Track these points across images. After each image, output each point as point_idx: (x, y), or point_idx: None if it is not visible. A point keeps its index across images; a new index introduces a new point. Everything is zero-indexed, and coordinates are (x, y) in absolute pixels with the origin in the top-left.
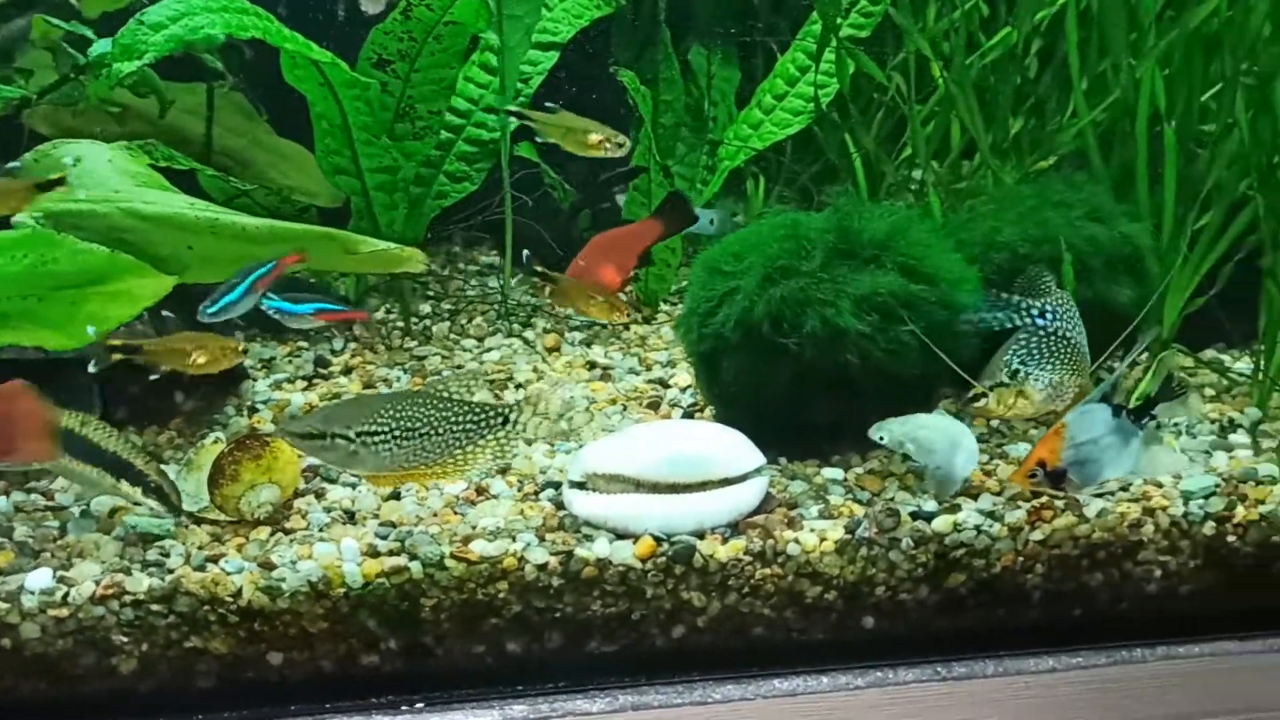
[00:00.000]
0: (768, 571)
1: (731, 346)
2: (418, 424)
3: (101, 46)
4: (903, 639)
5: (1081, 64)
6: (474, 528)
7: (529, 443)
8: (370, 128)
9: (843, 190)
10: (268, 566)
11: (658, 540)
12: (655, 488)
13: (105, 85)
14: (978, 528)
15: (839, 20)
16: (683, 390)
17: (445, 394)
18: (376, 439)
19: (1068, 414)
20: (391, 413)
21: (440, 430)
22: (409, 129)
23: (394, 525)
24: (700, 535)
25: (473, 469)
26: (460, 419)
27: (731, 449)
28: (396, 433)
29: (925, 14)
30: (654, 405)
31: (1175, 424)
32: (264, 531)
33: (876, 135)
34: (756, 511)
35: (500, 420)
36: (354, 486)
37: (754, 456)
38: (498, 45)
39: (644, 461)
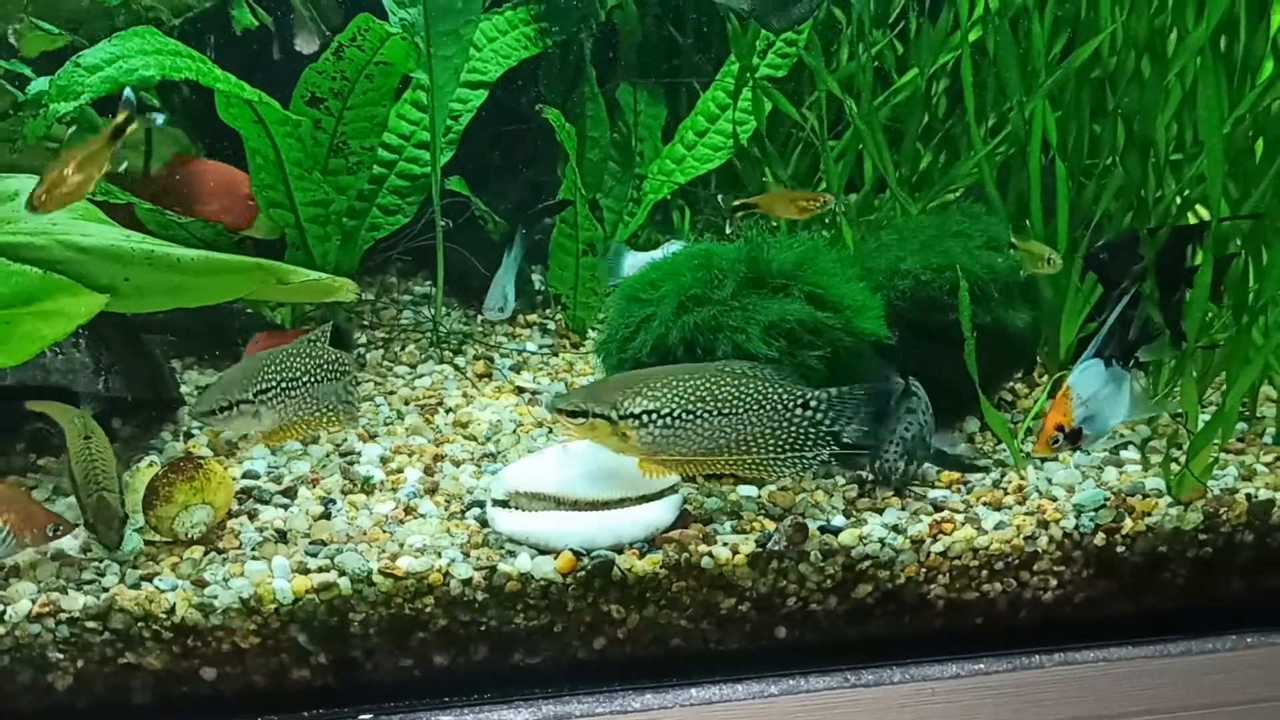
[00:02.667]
0: (683, 584)
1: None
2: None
3: (40, 85)
4: (814, 648)
5: (980, 103)
6: (401, 545)
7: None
8: (303, 163)
9: (753, 222)
10: (200, 584)
11: (578, 555)
12: (575, 505)
13: (42, 124)
14: (882, 540)
15: (757, 61)
16: None
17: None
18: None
19: (1070, 374)
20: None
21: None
22: (343, 164)
23: (324, 543)
24: (619, 550)
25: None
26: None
27: None
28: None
29: (839, 55)
30: None
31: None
32: (197, 551)
33: (794, 170)
34: (673, 527)
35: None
36: (285, 507)
37: (670, 475)
38: (428, 84)
39: (564, 480)
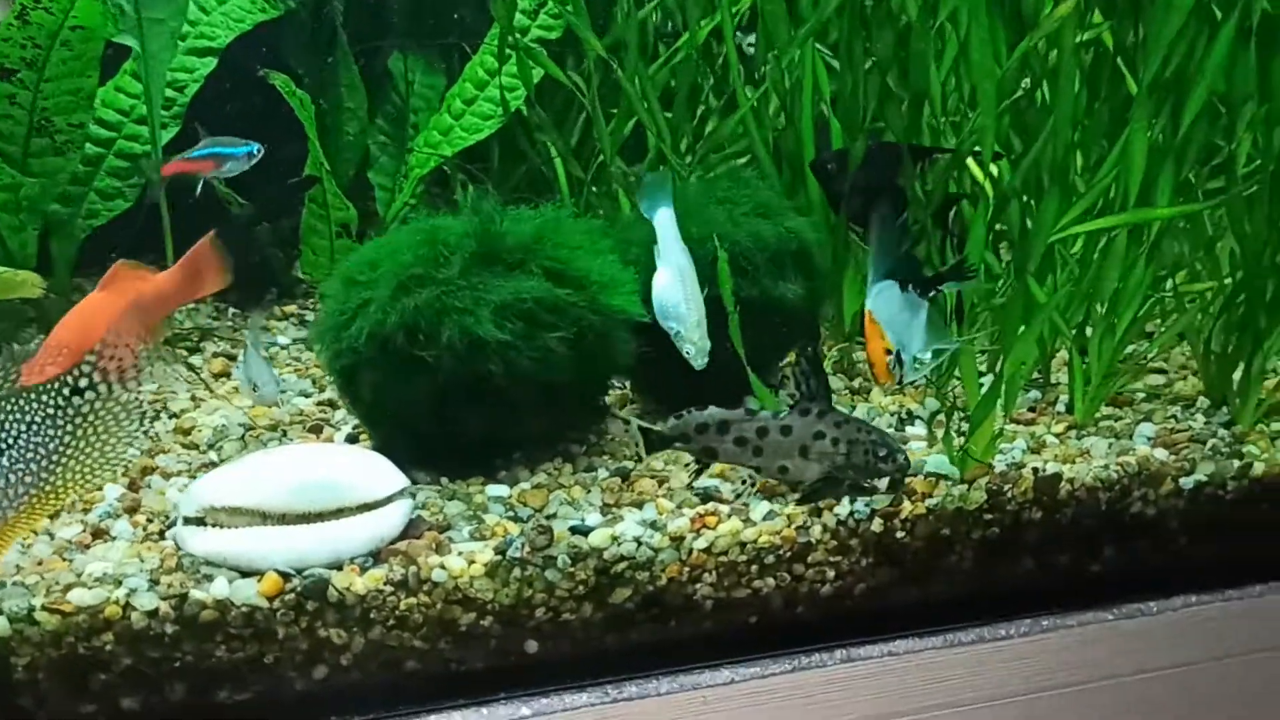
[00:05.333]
0: (414, 600)
1: (367, 361)
2: None
3: None
4: (570, 661)
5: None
6: (79, 575)
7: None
8: None
9: (481, 193)
10: None
11: (285, 576)
12: (284, 519)
13: None
14: (638, 539)
15: (528, 22)
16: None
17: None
18: None
19: (868, 300)
20: None
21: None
22: (49, 144)
23: None
24: (338, 567)
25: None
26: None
27: (369, 472)
28: None
29: (614, 15)
30: (317, 429)
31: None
32: None
33: (578, 138)
34: (402, 537)
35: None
36: None
37: (396, 479)
38: (139, 51)
39: (267, 491)
